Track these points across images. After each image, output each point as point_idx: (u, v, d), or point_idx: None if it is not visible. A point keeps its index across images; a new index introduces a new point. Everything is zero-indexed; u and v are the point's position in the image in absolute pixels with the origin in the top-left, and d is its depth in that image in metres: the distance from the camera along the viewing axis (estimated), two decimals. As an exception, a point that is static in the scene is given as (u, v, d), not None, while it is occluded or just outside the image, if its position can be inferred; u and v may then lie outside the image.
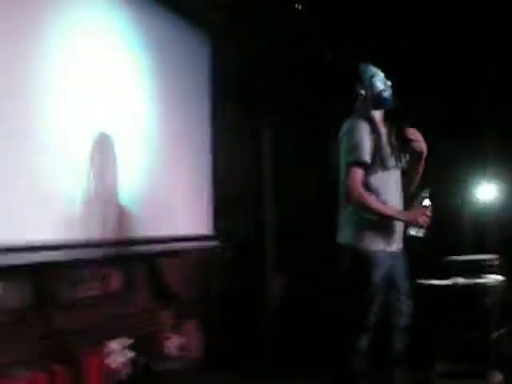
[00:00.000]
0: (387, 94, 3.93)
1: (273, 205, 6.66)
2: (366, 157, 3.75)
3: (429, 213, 3.77)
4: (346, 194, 3.76)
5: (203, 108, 5.93)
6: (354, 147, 3.75)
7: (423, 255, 4.37)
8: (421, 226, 3.77)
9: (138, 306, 5.06)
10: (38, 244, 3.85)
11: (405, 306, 3.84)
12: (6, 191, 3.63)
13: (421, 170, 3.96)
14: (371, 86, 3.93)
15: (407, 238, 3.89)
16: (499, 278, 3.65)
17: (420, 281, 3.61)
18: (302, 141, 6.54)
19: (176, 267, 5.50)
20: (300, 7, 5.91)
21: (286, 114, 6.60)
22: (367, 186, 3.77)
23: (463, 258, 5.08)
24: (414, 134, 3.86)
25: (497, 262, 4.97)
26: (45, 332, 4.03)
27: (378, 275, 3.75)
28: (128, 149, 4.77)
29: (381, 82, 3.95)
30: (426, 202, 3.80)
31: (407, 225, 3.82)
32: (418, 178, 3.99)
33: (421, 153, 3.90)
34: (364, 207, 3.74)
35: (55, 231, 4.01)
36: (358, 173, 3.73)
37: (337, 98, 5.59)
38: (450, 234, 5.75)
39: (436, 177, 4.27)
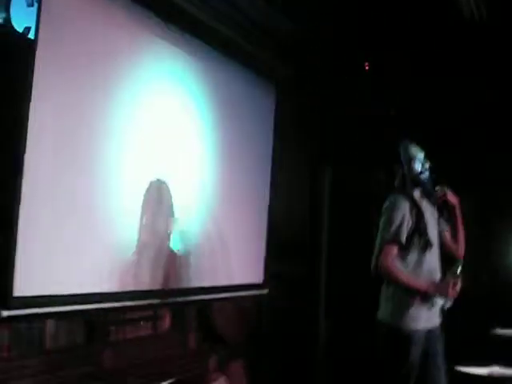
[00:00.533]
0: (424, 176, 4.03)
1: (328, 251, 6.68)
2: (402, 237, 3.85)
3: (459, 285, 3.83)
4: (375, 263, 3.89)
5: (266, 155, 6.02)
6: (392, 225, 3.87)
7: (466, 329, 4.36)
8: (448, 298, 3.85)
9: (186, 347, 5.17)
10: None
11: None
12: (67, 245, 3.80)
13: (460, 226, 4.00)
14: (409, 167, 4.05)
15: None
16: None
17: (455, 366, 3.62)
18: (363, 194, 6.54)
19: (226, 312, 5.59)
20: (368, 67, 5.94)
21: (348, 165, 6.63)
22: (404, 262, 3.86)
23: (505, 333, 5.08)
24: (442, 191, 3.99)
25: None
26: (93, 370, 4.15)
27: (415, 353, 3.81)
28: (187, 197, 4.91)
29: (419, 164, 4.06)
30: (458, 273, 3.87)
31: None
32: (461, 237, 4.07)
33: (453, 207, 3.97)
34: (393, 280, 3.80)
35: (112, 281, 4.17)
36: (393, 250, 3.85)
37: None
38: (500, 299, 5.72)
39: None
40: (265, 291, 5.93)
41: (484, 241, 5.73)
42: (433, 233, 4.02)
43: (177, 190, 4.78)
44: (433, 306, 3.92)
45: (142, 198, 4.46)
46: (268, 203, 6.02)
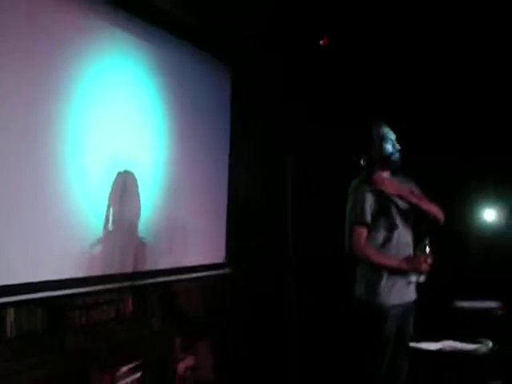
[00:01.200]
0: (395, 157, 4.05)
1: (292, 231, 6.71)
2: (367, 217, 3.89)
3: (430, 260, 3.90)
4: (349, 251, 3.94)
5: (224, 137, 6.05)
6: (356, 208, 3.93)
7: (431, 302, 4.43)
8: (421, 273, 3.91)
9: (150, 329, 5.20)
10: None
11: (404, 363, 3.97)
12: (27, 232, 3.83)
13: (426, 206, 4.04)
14: (380, 148, 4.06)
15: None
16: (490, 343, 3.67)
17: (411, 343, 3.68)
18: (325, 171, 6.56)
19: (189, 292, 5.62)
20: (323, 43, 5.93)
21: (311, 143, 6.63)
22: (373, 242, 3.92)
23: (465, 305, 5.17)
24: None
25: (499, 312, 5.06)
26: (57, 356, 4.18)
27: (391, 328, 3.89)
28: (146, 183, 4.94)
29: (391, 144, 4.06)
30: (427, 250, 3.94)
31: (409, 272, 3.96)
32: (433, 209, 4.08)
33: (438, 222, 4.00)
34: (366, 261, 3.87)
35: (77, 267, 4.25)
36: (361, 232, 3.92)
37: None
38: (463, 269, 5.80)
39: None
40: (227, 270, 5.95)
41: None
42: (399, 212, 4.06)
43: (137, 176, 4.82)
44: (407, 281, 3.98)
45: (104, 185, 4.51)
46: (227, 185, 6.05)
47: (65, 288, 4.15)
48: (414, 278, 4.01)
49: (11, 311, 3.89)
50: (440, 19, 5.58)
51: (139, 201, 4.85)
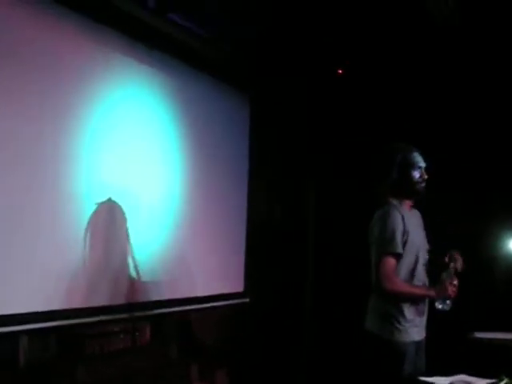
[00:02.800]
0: (421, 186, 3.96)
1: (312, 261, 6.69)
2: (400, 249, 3.81)
3: (456, 282, 3.82)
4: (377, 283, 3.81)
5: (244, 164, 6.05)
6: (389, 238, 3.80)
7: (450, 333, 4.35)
8: (446, 298, 3.82)
9: (167, 358, 5.19)
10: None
11: None
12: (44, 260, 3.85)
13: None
14: (406, 174, 3.95)
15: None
16: (505, 379, 3.58)
17: (421, 377, 3.61)
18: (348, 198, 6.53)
19: (207, 322, 5.61)
20: (341, 72, 5.95)
21: (333, 169, 6.63)
22: (399, 272, 3.85)
23: (484, 336, 5.08)
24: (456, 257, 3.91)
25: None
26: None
27: (408, 366, 3.80)
28: (162, 211, 4.95)
29: (419, 173, 3.96)
30: (451, 273, 3.86)
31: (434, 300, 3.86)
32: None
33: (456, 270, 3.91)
34: (397, 293, 3.79)
35: (92, 296, 4.24)
36: (392, 262, 3.79)
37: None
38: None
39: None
40: (246, 299, 5.92)
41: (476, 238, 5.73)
42: (422, 246, 3.98)
43: (153, 203, 4.83)
44: (423, 316, 3.91)
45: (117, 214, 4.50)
46: (246, 210, 6.04)
47: (79, 317, 4.13)
48: (440, 306, 3.89)
49: (25, 339, 3.88)
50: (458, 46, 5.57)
51: (154, 230, 4.82)
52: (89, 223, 4.22)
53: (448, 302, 3.83)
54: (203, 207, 5.39)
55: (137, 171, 4.67)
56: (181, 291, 5.14)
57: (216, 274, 5.56)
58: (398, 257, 3.82)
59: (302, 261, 6.64)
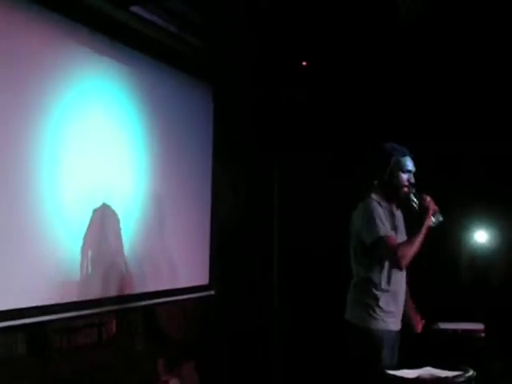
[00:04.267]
0: (406, 191, 3.98)
1: (278, 251, 6.71)
2: (391, 232, 3.88)
3: (428, 198, 3.87)
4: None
5: (207, 157, 6.02)
6: (379, 224, 3.84)
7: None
8: (434, 213, 3.87)
9: (134, 351, 5.18)
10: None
11: None
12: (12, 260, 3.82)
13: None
14: (394, 177, 3.99)
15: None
16: (470, 371, 3.62)
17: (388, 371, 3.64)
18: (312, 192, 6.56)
19: (173, 315, 5.60)
20: (306, 64, 5.96)
21: (296, 163, 6.65)
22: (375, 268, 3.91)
23: (448, 327, 5.16)
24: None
25: (481, 335, 5.06)
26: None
27: (386, 355, 3.86)
28: (128, 207, 4.92)
29: (407, 177, 4.00)
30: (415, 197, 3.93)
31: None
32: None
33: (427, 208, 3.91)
34: (412, 256, 3.79)
35: (59, 293, 4.21)
36: (390, 241, 3.82)
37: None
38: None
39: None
40: (212, 292, 5.92)
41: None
42: (402, 235, 4.04)
43: (117, 198, 4.79)
44: (401, 307, 3.97)
45: (84, 211, 4.46)
46: (210, 205, 6.01)
47: (47, 314, 4.10)
48: (435, 222, 3.89)
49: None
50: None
51: (120, 226, 4.80)
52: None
53: (437, 214, 3.88)
54: (168, 201, 5.36)
55: (101, 166, 4.62)
56: (146, 285, 5.12)
57: (181, 268, 5.54)
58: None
59: (267, 252, 6.66)
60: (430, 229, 3.86)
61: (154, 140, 5.22)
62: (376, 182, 4.07)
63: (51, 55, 4.20)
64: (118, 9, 4.57)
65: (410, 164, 4.02)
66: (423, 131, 5.85)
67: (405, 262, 3.79)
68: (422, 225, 3.83)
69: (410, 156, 4.04)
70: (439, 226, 3.93)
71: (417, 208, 3.93)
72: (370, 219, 3.88)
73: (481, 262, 5.95)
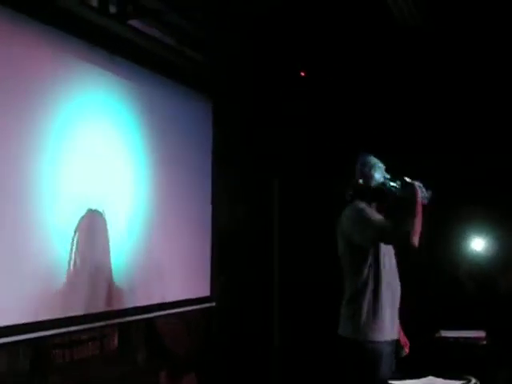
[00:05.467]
0: (388, 186, 4.00)
1: (278, 263, 6.71)
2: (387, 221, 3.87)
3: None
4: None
5: (207, 171, 6.03)
6: (372, 218, 3.85)
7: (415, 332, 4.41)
8: (421, 187, 3.87)
9: (135, 365, 5.17)
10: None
11: None
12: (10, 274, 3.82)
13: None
14: (369, 178, 4.02)
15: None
16: (473, 380, 3.62)
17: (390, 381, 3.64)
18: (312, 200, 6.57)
19: (174, 327, 5.59)
20: (304, 74, 5.98)
21: (296, 168, 6.65)
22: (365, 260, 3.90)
23: (449, 335, 5.16)
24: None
25: (483, 343, 5.05)
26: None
27: (384, 366, 3.85)
28: (129, 217, 4.93)
29: (380, 174, 4.03)
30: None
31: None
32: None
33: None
34: (417, 224, 3.75)
35: (59, 307, 4.20)
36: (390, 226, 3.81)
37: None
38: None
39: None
40: (213, 304, 5.92)
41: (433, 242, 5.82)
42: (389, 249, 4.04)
43: (117, 210, 4.80)
44: (396, 318, 3.96)
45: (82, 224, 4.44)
46: (210, 215, 6.01)
47: (48, 329, 4.10)
48: (426, 197, 3.90)
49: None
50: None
51: (120, 238, 4.80)
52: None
53: (423, 189, 3.88)
54: (168, 213, 5.37)
55: (101, 177, 4.63)
56: (147, 297, 5.11)
57: (182, 279, 5.54)
58: None
59: (268, 263, 6.66)
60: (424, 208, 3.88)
61: (154, 151, 5.22)
62: (350, 193, 4.07)
63: (50, 70, 4.21)
64: (116, 23, 4.59)
65: (376, 161, 4.06)
66: (422, 139, 5.87)
67: (416, 237, 3.73)
68: (413, 195, 3.81)
69: (384, 168, 4.07)
70: (430, 200, 3.91)
71: (398, 189, 3.93)
72: (361, 219, 3.88)
73: (481, 270, 5.96)
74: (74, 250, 4.36)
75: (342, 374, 3.96)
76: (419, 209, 3.80)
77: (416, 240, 3.73)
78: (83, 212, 4.46)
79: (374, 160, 4.07)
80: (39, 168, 4.09)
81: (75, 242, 4.37)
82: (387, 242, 3.89)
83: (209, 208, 5.99)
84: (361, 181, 4.04)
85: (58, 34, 4.26)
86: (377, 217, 3.89)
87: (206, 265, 5.95)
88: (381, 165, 4.07)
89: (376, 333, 3.84)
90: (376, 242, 3.87)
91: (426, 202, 3.89)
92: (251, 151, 6.41)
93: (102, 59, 4.66)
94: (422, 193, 3.87)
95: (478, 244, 6.02)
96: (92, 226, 4.58)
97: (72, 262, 4.35)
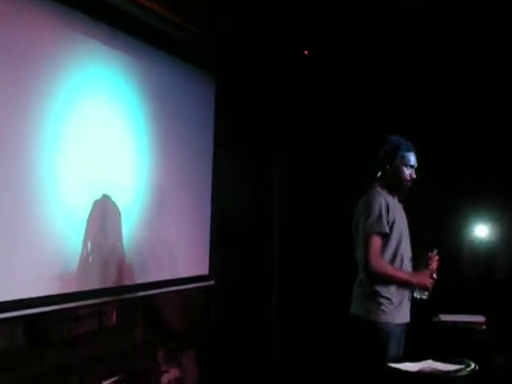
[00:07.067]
0: (408, 185, 4.12)
1: (279, 242, 6.71)
2: (387, 229, 3.97)
3: (435, 275, 3.97)
4: (365, 262, 3.93)
5: (208, 147, 5.99)
6: (376, 219, 3.95)
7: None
8: (426, 289, 3.94)
9: (133, 341, 5.17)
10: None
11: None
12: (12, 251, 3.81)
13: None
14: (399, 171, 4.10)
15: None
16: (472, 364, 3.62)
17: (390, 364, 3.64)
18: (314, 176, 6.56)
19: (173, 305, 5.60)
20: (307, 53, 5.93)
21: (298, 147, 6.64)
22: (384, 255, 3.99)
23: (448, 319, 5.16)
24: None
25: (483, 327, 5.05)
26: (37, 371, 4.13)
27: (394, 348, 3.88)
28: (128, 196, 4.89)
29: (409, 172, 4.10)
30: (431, 265, 3.97)
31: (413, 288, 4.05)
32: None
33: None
34: (382, 273, 3.91)
35: (58, 284, 4.19)
36: (378, 243, 3.94)
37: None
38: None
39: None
40: (211, 282, 5.91)
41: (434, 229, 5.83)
42: (405, 236, 4.13)
43: (117, 189, 4.76)
44: (408, 300, 4.06)
45: (83, 202, 4.42)
46: (211, 194, 5.98)
47: (46, 305, 4.08)
48: (418, 295, 4.04)
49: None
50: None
51: (120, 216, 4.78)
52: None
53: (426, 293, 4.02)
54: (169, 191, 5.34)
55: (101, 156, 4.59)
56: (146, 275, 5.10)
57: (181, 258, 5.52)
58: (385, 237, 3.97)
59: (268, 242, 6.65)
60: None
61: (156, 130, 5.19)
62: (379, 174, 4.13)
63: (52, 45, 4.15)
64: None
65: (413, 159, 4.13)
66: (426, 124, 5.85)
67: (374, 271, 3.92)
68: (408, 278, 4.00)
69: (414, 151, 4.09)
70: (419, 299, 4.08)
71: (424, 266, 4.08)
72: (370, 210, 3.98)
73: (482, 255, 5.96)
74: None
75: (347, 351, 4.01)
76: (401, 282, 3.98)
77: (370, 274, 3.97)
78: (88, 191, 4.45)
79: (412, 157, 4.13)
80: (41, 147, 4.05)
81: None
82: (360, 264, 4.02)
83: (209, 186, 5.97)
84: (388, 168, 4.11)
85: (60, 7, 4.19)
86: (380, 218, 3.95)
87: (205, 243, 5.94)
88: (414, 163, 4.12)
89: (386, 314, 3.92)
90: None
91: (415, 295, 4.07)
92: (253, 130, 6.37)
93: (105, 35, 4.60)
94: (420, 293, 4.07)
95: (480, 229, 6.02)
96: (104, 203, 4.61)
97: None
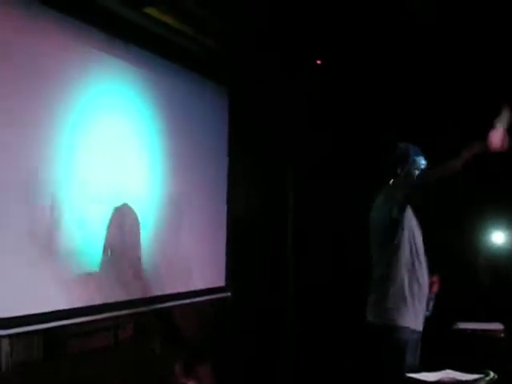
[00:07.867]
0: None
1: (293, 252, 6.69)
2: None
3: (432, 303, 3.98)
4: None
5: (223, 160, 6.01)
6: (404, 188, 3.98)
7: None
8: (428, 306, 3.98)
9: (151, 354, 5.17)
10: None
11: None
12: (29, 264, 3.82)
13: None
14: (412, 175, 4.10)
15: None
16: (491, 374, 3.58)
17: (408, 374, 3.61)
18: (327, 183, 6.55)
19: (190, 317, 5.59)
20: (320, 63, 5.93)
21: (311, 156, 6.63)
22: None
23: (467, 327, 5.12)
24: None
25: (501, 335, 5.01)
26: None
27: (410, 355, 3.86)
28: (144, 208, 4.90)
29: (421, 166, 4.11)
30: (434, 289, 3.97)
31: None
32: None
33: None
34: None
35: (76, 297, 4.22)
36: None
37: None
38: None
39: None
40: (227, 294, 5.90)
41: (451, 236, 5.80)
42: (419, 235, 4.12)
43: (134, 200, 4.79)
44: (422, 310, 4.02)
45: (100, 215, 4.47)
46: (226, 206, 5.99)
47: (63, 318, 4.12)
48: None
49: (6, 343, 3.83)
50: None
51: (137, 228, 4.78)
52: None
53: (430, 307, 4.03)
54: (184, 203, 5.35)
55: (117, 168, 4.62)
56: (163, 287, 5.11)
57: (197, 269, 5.53)
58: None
59: (283, 253, 6.64)
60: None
61: (170, 141, 5.22)
62: (392, 181, 4.10)
63: (66, 60, 4.20)
64: (132, 11, 4.56)
65: (424, 163, 4.12)
66: (436, 130, 5.82)
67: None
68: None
69: (423, 155, 4.08)
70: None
71: None
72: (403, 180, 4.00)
73: (499, 262, 5.92)
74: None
75: (363, 360, 3.99)
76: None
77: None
78: (104, 203, 4.48)
79: (421, 160, 4.14)
80: (56, 157, 4.08)
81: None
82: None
83: (224, 196, 5.97)
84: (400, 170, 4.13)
85: (74, 23, 4.24)
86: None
87: (221, 254, 5.93)
88: (424, 166, 4.12)
89: (407, 318, 3.89)
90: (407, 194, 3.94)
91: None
92: (266, 139, 6.36)
93: (118, 48, 4.64)
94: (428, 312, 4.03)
95: (497, 236, 5.98)
96: (122, 215, 4.65)
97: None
